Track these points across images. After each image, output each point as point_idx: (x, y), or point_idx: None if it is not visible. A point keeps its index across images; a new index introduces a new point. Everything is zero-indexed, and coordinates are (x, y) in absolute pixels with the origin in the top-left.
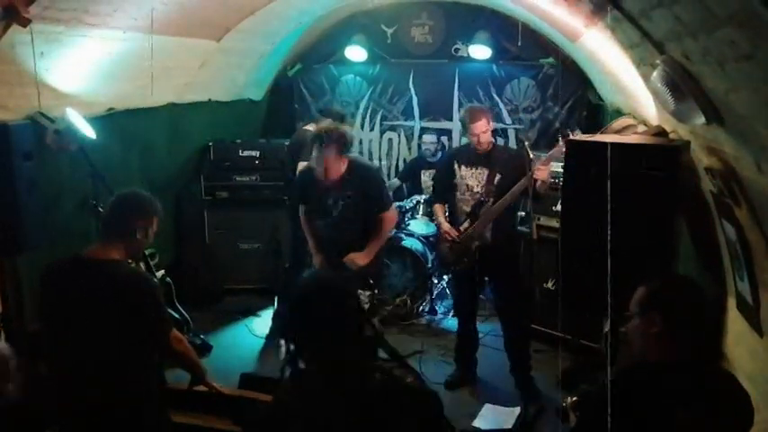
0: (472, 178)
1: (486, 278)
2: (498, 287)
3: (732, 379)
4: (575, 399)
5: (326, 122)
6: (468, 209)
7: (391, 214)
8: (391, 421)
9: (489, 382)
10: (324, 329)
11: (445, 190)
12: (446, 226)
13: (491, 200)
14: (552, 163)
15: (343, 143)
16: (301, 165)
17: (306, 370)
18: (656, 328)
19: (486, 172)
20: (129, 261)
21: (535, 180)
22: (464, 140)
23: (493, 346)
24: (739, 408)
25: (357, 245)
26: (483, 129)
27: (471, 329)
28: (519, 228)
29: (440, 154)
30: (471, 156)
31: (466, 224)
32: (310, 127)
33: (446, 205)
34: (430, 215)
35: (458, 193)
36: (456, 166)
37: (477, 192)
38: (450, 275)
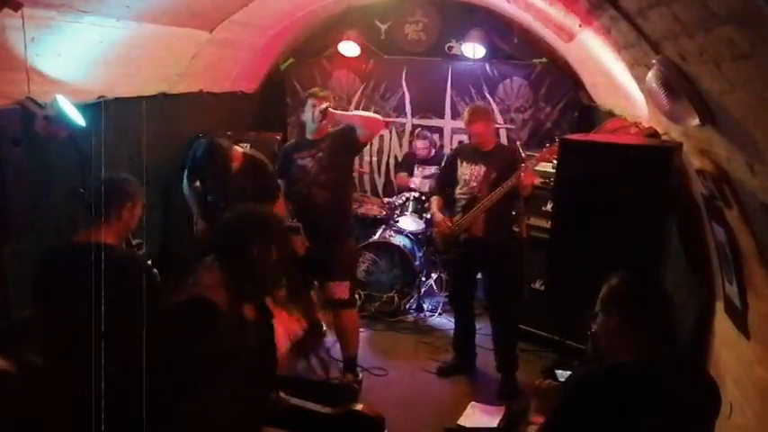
0: (470, 174)
1: (480, 275)
2: (488, 284)
3: (697, 373)
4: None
5: None
6: (463, 202)
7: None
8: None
9: (475, 381)
10: None
11: (446, 184)
12: (439, 216)
13: (484, 195)
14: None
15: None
16: None
17: None
18: (614, 324)
19: (483, 169)
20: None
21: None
22: (456, 137)
23: (480, 344)
24: (705, 402)
25: (330, 206)
26: (479, 131)
27: (467, 320)
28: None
29: (433, 152)
30: (473, 152)
31: (458, 216)
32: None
33: (443, 199)
34: (419, 212)
35: (457, 188)
36: (459, 161)
37: (474, 187)
38: (441, 272)
